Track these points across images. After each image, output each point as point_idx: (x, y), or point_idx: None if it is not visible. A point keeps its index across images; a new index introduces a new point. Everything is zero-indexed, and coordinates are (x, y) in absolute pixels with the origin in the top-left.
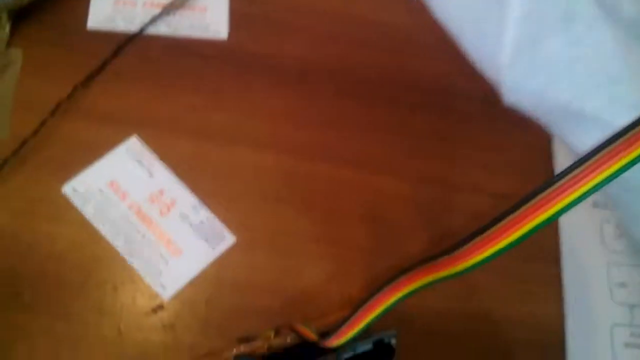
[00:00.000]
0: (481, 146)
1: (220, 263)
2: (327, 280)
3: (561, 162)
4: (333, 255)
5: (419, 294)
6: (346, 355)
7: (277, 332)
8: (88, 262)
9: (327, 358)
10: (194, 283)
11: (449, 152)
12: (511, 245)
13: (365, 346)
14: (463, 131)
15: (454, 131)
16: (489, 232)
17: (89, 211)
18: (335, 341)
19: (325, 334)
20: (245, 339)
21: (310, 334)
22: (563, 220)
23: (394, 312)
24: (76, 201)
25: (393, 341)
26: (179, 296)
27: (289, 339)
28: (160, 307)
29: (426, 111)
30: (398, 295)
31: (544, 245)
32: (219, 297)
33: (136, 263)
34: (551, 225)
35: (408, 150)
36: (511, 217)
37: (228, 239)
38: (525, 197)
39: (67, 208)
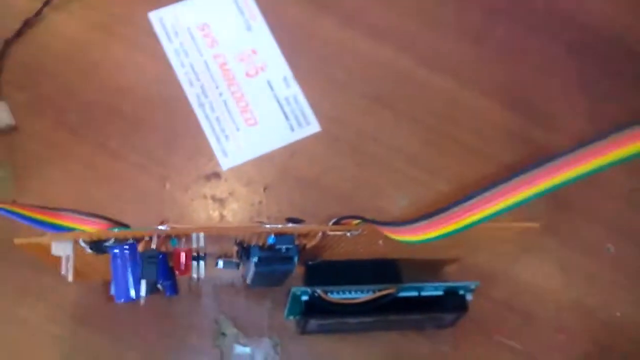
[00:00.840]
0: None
1: (295, 149)
2: (406, 210)
3: None
4: (423, 184)
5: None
6: (407, 294)
7: (337, 223)
8: (152, 101)
9: (384, 287)
10: (259, 162)
11: (591, 105)
12: None
13: (434, 291)
14: (610, 87)
15: (603, 85)
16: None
17: (170, 47)
18: (409, 234)
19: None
20: (295, 220)
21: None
22: None
23: (479, 269)
24: (160, 32)
25: (469, 297)
26: (238, 170)
27: (348, 235)
28: (216, 175)
29: (583, 56)
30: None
31: None
32: (280, 186)
33: (204, 119)
34: None
35: (553, 92)
36: None
37: (313, 126)
38: None
39: (147, 36)
